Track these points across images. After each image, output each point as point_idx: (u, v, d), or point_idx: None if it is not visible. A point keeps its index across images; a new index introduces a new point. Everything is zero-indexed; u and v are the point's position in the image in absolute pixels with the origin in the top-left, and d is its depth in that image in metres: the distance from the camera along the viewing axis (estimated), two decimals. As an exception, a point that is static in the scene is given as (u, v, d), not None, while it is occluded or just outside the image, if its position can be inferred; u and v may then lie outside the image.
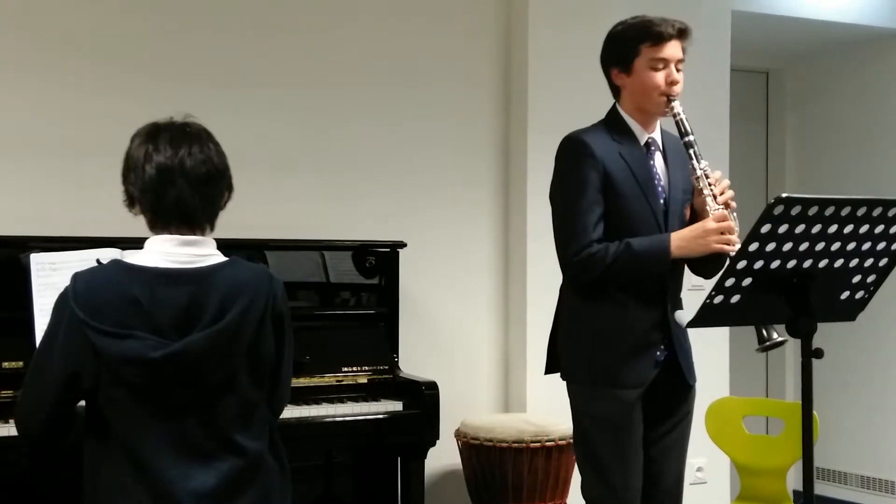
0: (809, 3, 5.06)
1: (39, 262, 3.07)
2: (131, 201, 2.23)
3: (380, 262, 3.85)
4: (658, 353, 2.77)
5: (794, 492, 5.09)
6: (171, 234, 2.17)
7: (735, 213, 2.71)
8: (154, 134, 2.21)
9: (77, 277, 2.13)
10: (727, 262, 2.56)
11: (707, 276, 2.87)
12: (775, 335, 2.55)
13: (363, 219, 4.13)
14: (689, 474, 4.43)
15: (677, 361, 2.78)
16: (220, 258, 2.21)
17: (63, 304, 2.11)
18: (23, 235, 3.34)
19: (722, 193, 2.71)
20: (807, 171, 5.87)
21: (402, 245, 3.86)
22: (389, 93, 4.24)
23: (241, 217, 3.79)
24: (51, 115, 3.72)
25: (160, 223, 2.19)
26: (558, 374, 2.90)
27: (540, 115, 4.27)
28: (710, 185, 2.70)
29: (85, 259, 3.07)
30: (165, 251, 2.15)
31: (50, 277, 3.07)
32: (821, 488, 5.51)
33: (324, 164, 4.12)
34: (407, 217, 4.22)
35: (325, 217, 4.06)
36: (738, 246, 2.62)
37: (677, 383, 2.81)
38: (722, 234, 2.65)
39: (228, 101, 3.95)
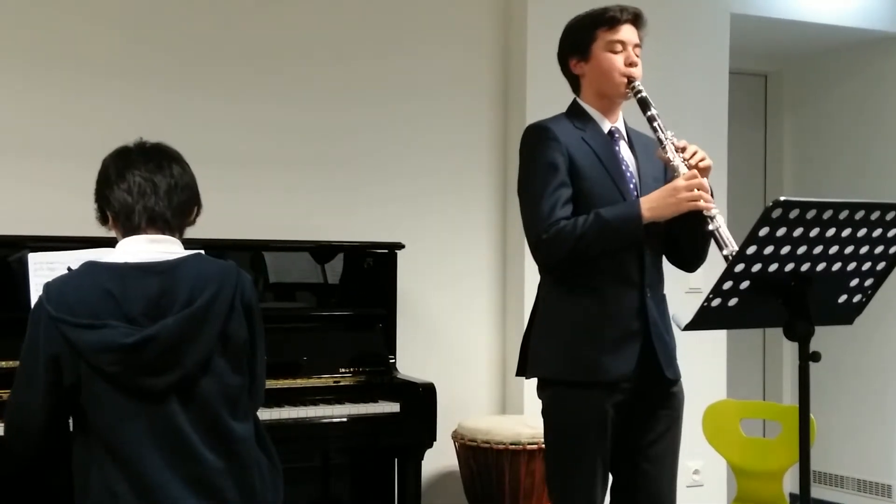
0: (808, 7, 5.06)
1: (37, 262, 3.07)
2: (104, 218, 2.35)
3: (378, 263, 3.85)
4: (639, 344, 2.68)
5: (791, 495, 5.09)
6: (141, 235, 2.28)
7: (707, 178, 2.64)
8: (126, 154, 2.35)
9: (48, 284, 2.24)
10: (708, 227, 2.53)
11: (689, 263, 2.83)
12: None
13: (361, 220, 4.13)
14: (686, 477, 4.45)
15: (654, 351, 2.69)
16: (186, 253, 2.30)
17: (37, 309, 2.22)
18: (20, 235, 3.34)
19: (692, 157, 2.64)
20: (805, 174, 5.87)
21: (400, 246, 3.86)
22: (389, 96, 4.24)
23: (240, 218, 3.84)
24: (49, 117, 3.73)
25: (133, 233, 2.29)
26: (530, 377, 2.81)
27: (537, 117, 4.22)
28: (677, 151, 2.65)
29: (82, 259, 3.07)
30: (134, 249, 2.26)
31: (47, 277, 3.06)
32: (817, 491, 5.52)
33: (322, 166, 4.12)
34: (405, 219, 4.22)
35: (323, 218, 4.06)
36: (712, 204, 2.58)
37: (655, 381, 2.71)
38: (692, 191, 2.58)
39: (228, 105, 3.96)
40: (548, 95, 4.30)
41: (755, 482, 3.60)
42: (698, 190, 2.58)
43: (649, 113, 2.70)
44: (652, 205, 2.62)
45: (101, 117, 3.78)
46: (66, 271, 2.32)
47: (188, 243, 2.37)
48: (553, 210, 2.65)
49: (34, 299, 3.02)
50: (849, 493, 5.54)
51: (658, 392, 2.75)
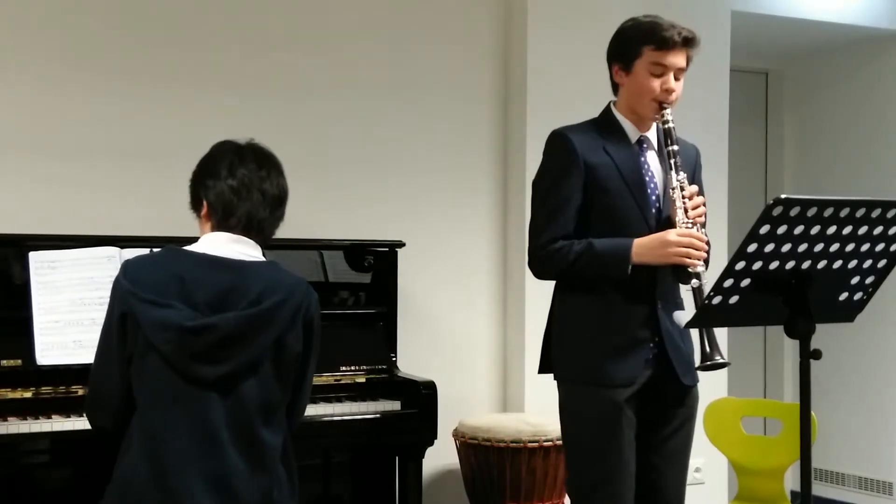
0: (809, 4, 5.06)
1: (38, 261, 3.08)
2: (197, 204, 2.37)
3: (378, 261, 3.85)
4: (649, 351, 2.73)
5: (792, 492, 5.10)
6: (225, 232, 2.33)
7: (704, 230, 2.70)
8: (239, 150, 2.39)
9: (127, 261, 2.32)
10: (691, 283, 2.60)
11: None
12: (718, 357, 2.59)
13: (362, 218, 4.13)
14: (687, 474, 4.44)
15: (669, 360, 2.73)
16: (263, 259, 2.35)
17: (116, 283, 2.27)
18: (22, 234, 3.33)
19: (694, 209, 2.70)
20: (806, 172, 5.87)
21: (401, 245, 3.86)
22: (389, 95, 4.24)
23: (240, 216, 3.83)
24: (50, 116, 3.72)
25: (224, 228, 2.33)
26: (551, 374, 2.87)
27: (538, 118, 4.27)
28: (683, 197, 2.69)
29: (83, 258, 3.08)
30: (216, 244, 2.31)
31: (48, 276, 3.08)
32: (818, 489, 5.52)
33: (323, 165, 4.12)
34: (406, 217, 4.22)
35: (325, 216, 4.06)
36: (699, 262, 2.63)
37: (672, 384, 2.76)
38: (682, 247, 2.63)
39: (229, 104, 3.95)
40: (548, 94, 4.33)
41: (756, 480, 3.60)
42: (688, 247, 2.63)
43: (670, 148, 2.73)
44: (641, 251, 2.67)
45: (103, 116, 3.78)
46: (80, 265, 2.39)
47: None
48: (554, 226, 2.72)
49: (34, 298, 3.04)
50: (850, 490, 5.54)
51: (674, 394, 2.80)
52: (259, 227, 2.34)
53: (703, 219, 2.71)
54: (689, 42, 2.76)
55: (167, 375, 2.19)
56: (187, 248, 2.31)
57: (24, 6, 3.71)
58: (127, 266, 2.28)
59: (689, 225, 2.67)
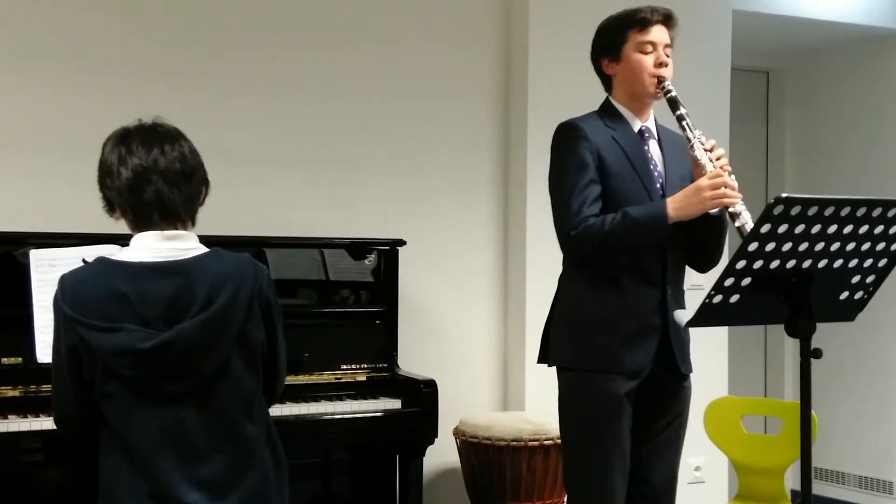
0: (810, 3, 5.06)
1: (39, 258, 3.08)
2: (111, 206, 2.25)
3: (379, 259, 3.85)
4: (656, 338, 2.75)
5: (793, 491, 5.10)
6: (153, 230, 2.20)
7: (733, 176, 2.69)
8: (125, 137, 2.24)
9: (63, 278, 2.18)
10: (736, 223, 2.57)
11: (703, 268, 2.90)
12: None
13: (363, 217, 4.13)
14: (688, 473, 4.45)
15: (671, 348, 2.76)
16: (202, 250, 2.24)
17: (55, 305, 2.16)
18: (22, 231, 3.34)
19: (718, 159, 2.71)
20: (807, 171, 5.87)
21: (402, 243, 3.86)
22: (391, 94, 4.24)
23: (241, 215, 3.84)
24: (51, 114, 3.73)
25: (142, 222, 2.21)
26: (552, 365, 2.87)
27: (539, 116, 4.27)
28: (705, 150, 2.72)
29: (84, 255, 3.08)
30: (149, 246, 2.19)
31: (49, 273, 3.07)
32: (819, 488, 5.52)
33: (324, 163, 4.12)
34: (407, 215, 4.22)
35: (325, 215, 4.06)
36: (737, 200, 2.62)
37: (670, 374, 2.79)
38: (716, 189, 2.64)
39: (230, 102, 3.96)
40: (549, 93, 4.33)
41: (757, 479, 3.60)
42: (724, 188, 2.64)
43: (678, 112, 2.76)
44: (677, 204, 2.70)
45: (104, 113, 3.77)
46: (82, 263, 2.27)
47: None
48: (582, 207, 2.73)
49: (35, 296, 3.04)
50: (850, 489, 5.54)
51: (669, 385, 2.82)
52: (177, 213, 2.20)
53: (728, 167, 2.71)
54: (668, 19, 2.84)
55: (133, 396, 2.12)
56: (120, 257, 2.19)
57: (24, 5, 3.71)
58: (64, 287, 2.15)
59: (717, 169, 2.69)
